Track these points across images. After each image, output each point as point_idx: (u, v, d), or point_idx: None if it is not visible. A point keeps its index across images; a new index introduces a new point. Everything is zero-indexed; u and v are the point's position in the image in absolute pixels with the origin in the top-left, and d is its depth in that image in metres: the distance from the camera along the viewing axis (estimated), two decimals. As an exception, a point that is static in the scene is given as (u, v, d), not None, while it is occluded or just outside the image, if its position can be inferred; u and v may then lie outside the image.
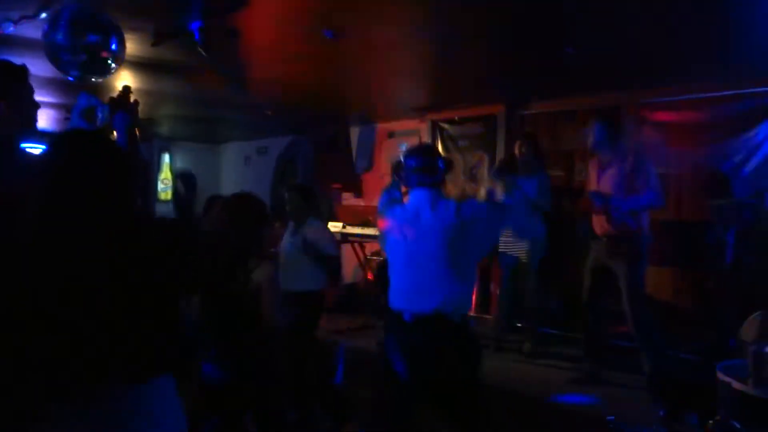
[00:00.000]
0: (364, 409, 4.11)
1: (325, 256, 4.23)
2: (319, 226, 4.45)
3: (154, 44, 4.49)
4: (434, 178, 2.83)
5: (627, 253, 4.38)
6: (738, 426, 1.91)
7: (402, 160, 2.98)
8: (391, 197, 3.10)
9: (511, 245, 5.52)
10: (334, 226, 6.74)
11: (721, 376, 3.10)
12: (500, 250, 5.63)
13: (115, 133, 2.12)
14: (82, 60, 3.26)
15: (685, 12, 3.76)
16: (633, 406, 3.91)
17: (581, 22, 4.01)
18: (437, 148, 3.16)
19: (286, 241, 4.44)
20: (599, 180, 4.58)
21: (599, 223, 4.58)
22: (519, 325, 5.84)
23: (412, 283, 2.71)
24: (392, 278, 2.85)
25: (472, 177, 7.09)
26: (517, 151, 5.52)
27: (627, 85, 5.66)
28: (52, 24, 3.22)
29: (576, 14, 3.86)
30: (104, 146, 1.66)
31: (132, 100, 2.15)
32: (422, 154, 2.90)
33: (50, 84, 5.51)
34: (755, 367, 2.92)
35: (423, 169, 2.82)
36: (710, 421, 1.97)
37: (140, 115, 2.21)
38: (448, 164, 3.01)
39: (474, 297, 6.81)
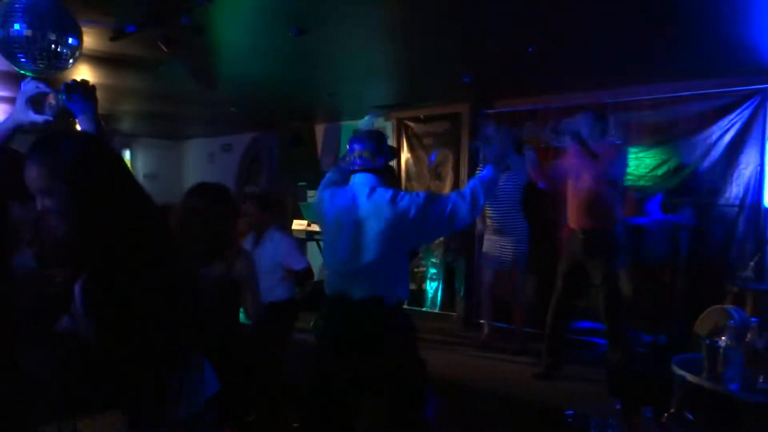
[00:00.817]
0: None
1: (294, 271, 4.20)
2: (280, 239, 4.30)
3: (113, 38, 4.39)
4: (376, 164, 2.78)
5: (605, 248, 4.45)
6: (691, 418, 1.97)
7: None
8: (332, 179, 3.03)
9: (495, 245, 5.56)
10: (299, 224, 6.70)
11: (676, 369, 3.19)
12: (483, 250, 5.68)
13: (77, 123, 2.02)
14: (37, 53, 3.16)
15: (642, 16, 3.85)
16: (592, 400, 4.00)
17: (543, 22, 4.07)
18: (385, 133, 3.05)
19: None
20: (579, 172, 4.62)
21: (576, 217, 4.62)
22: (481, 321, 5.90)
23: (347, 267, 2.66)
24: (328, 260, 2.80)
25: (437, 175, 7.14)
26: None
27: (588, 85, 5.77)
28: (6, 16, 3.12)
29: (538, 14, 3.92)
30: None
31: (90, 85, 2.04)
32: (367, 138, 2.82)
33: (4, 77, 5.35)
34: (709, 361, 3.01)
35: (366, 153, 2.77)
36: (665, 414, 2.03)
37: (100, 111, 2.11)
38: (392, 152, 2.97)
39: (440, 294, 6.88)
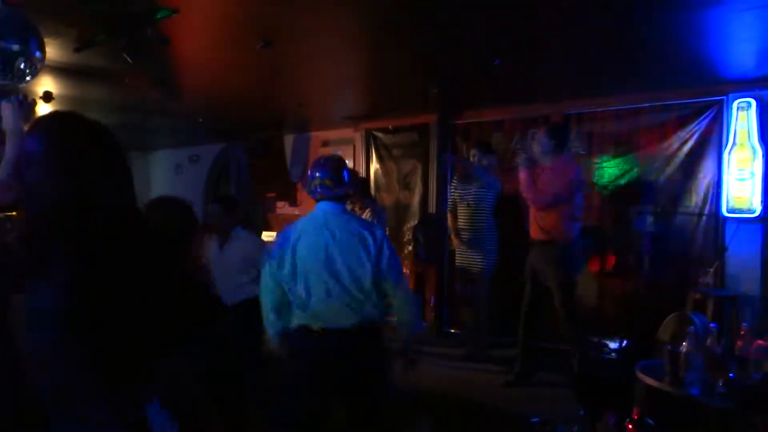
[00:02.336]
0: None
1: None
2: (246, 236, 4.32)
3: (77, 50, 4.33)
4: (337, 193, 2.81)
5: (558, 257, 4.53)
6: (652, 423, 2.02)
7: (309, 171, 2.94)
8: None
9: (464, 256, 5.56)
10: (269, 236, 6.67)
11: (639, 375, 3.26)
12: (457, 262, 5.69)
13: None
14: (-2, 65, 3.10)
15: (604, 32, 3.96)
16: (559, 407, 4.05)
17: (509, 36, 4.15)
18: (345, 161, 3.08)
19: (213, 254, 4.30)
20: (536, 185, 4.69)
21: (535, 228, 4.69)
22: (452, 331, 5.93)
23: (318, 297, 2.71)
24: (303, 293, 2.76)
25: (406, 185, 7.18)
26: (472, 159, 5.57)
27: (552, 96, 5.89)
28: (-35, 27, 3.06)
29: (503, 29, 4.00)
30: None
31: (29, 99, 2.04)
32: (327, 166, 2.84)
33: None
34: (670, 366, 3.08)
35: (327, 181, 2.79)
36: (627, 420, 2.08)
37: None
38: (357, 180, 3.03)
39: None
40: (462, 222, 5.53)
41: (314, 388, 2.74)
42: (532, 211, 4.72)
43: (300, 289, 2.75)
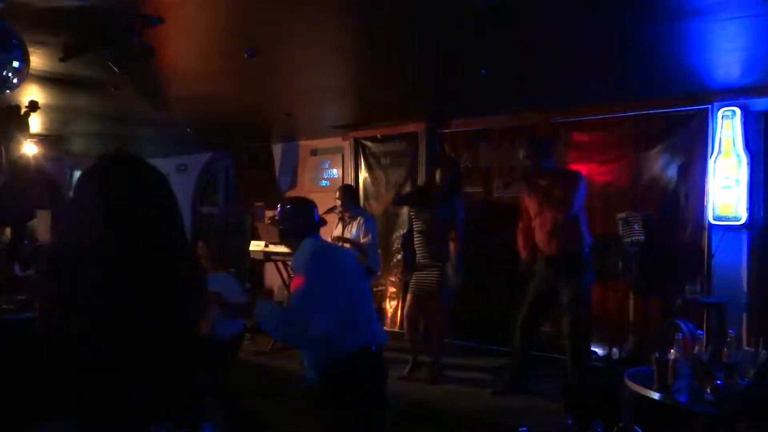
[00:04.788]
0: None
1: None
2: (221, 279, 4.29)
3: (62, 59, 4.31)
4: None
5: (576, 270, 4.51)
6: (640, 431, 2.02)
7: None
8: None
9: (421, 273, 5.28)
10: (257, 245, 6.62)
11: (627, 382, 3.26)
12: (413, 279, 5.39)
13: None
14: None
15: (588, 40, 4.00)
16: (548, 416, 4.03)
17: (495, 45, 4.17)
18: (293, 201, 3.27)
19: None
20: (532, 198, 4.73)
21: (544, 242, 4.63)
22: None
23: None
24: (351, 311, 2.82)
25: (396, 194, 7.17)
26: (437, 178, 5.26)
27: (540, 106, 5.92)
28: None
29: (490, 38, 4.02)
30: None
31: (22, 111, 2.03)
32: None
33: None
34: (658, 374, 3.09)
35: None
36: (614, 428, 2.07)
37: (50, 131, 2.09)
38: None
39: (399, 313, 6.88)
40: (416, 244, 5.40)
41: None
42: (538, 225, 4.69)
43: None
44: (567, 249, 4.53)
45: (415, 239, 5.33)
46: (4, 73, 3.08)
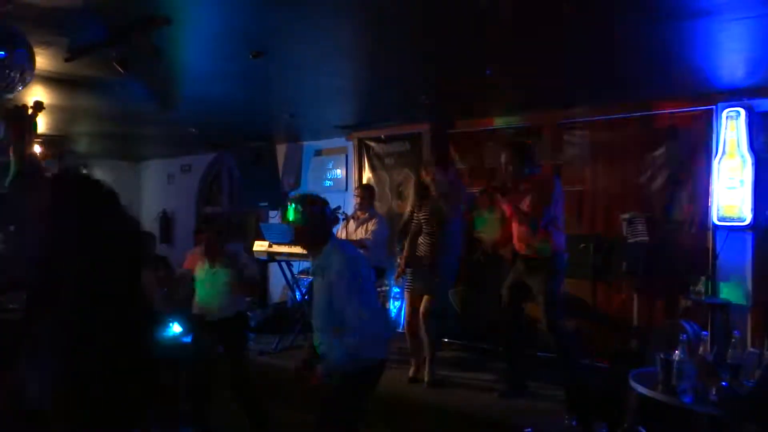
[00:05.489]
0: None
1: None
2: (239, 251, 4.48)
3: (68, 59, 4.32)
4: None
5: (544, 270, 4.52)
6: (644, 431, 2.02)
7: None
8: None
9: (410, 282, 5.27)
10: (260, 245, 6.62)
11: (632, 383, 3.26)
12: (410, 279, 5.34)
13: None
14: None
15: (593, 40, 3.99)
16: (552, 417, 4.03)
17: (499, 46, 4.17)
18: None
19: (204, 274, 4.36)
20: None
21: (518, 243, 4.65)
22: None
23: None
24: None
25: (399, 194, 7.18)
26: (428, 180, 5.08)
27: (545, 106, 5.91)
28: (-46, 37, 3.05)
29: (494, 39, 4.02)
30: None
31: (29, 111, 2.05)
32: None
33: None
34: (663, 374, 3.08)
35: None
36: (618, 429, 2.07)
37: (54, 131, 2.12)
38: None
39: (403, 313, 6.86)
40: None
41: None
42: (515, 226, 4.68)
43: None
44: (539, 253, 4.52)
45: (414, 239, 5.32)
46: (11, 75, 3.09)
